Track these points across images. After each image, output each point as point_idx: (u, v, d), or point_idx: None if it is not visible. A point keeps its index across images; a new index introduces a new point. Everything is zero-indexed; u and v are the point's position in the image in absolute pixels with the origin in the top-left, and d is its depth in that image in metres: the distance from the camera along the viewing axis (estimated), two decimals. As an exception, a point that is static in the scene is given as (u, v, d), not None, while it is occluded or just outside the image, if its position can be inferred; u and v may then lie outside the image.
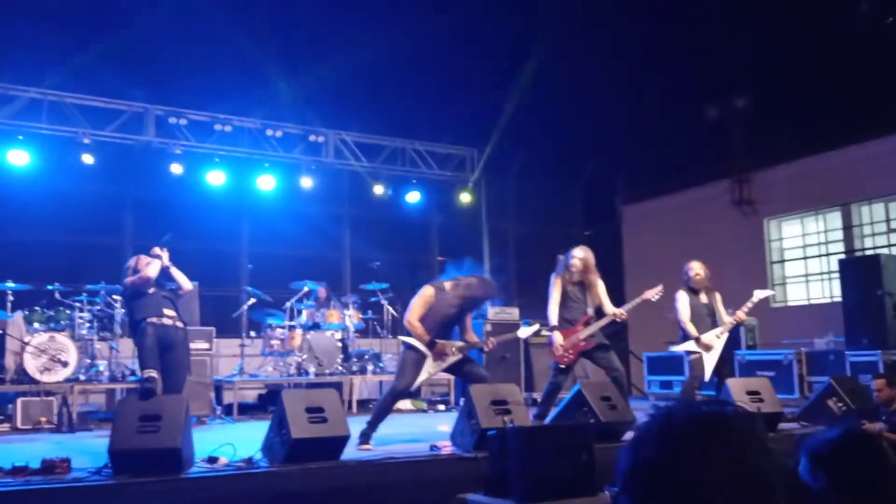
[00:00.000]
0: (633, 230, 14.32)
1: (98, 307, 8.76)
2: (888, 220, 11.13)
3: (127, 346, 9.27)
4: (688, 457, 0.96)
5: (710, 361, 6.99)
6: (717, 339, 7.06)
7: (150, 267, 6.34)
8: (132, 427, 4.54)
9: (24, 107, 9.82)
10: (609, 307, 6.75)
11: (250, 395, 10.15)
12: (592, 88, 10.99)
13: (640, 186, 13.99)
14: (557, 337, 6.65)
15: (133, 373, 8.78)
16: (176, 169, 10.49)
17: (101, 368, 8.60)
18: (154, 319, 6.18)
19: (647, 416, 1.08)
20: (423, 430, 7.14)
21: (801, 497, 1.79)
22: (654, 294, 6.80)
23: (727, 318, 7.13)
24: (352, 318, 10.05)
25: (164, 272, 6.41)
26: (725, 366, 7.31)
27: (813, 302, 11.86)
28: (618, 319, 6.61)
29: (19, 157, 9.69)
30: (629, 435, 6.00)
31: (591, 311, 6.79)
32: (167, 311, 6.28)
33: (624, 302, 6.98)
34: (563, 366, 6.69)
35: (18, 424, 7.66)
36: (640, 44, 10.48)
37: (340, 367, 9.61)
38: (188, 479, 4.52)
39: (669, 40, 10.18)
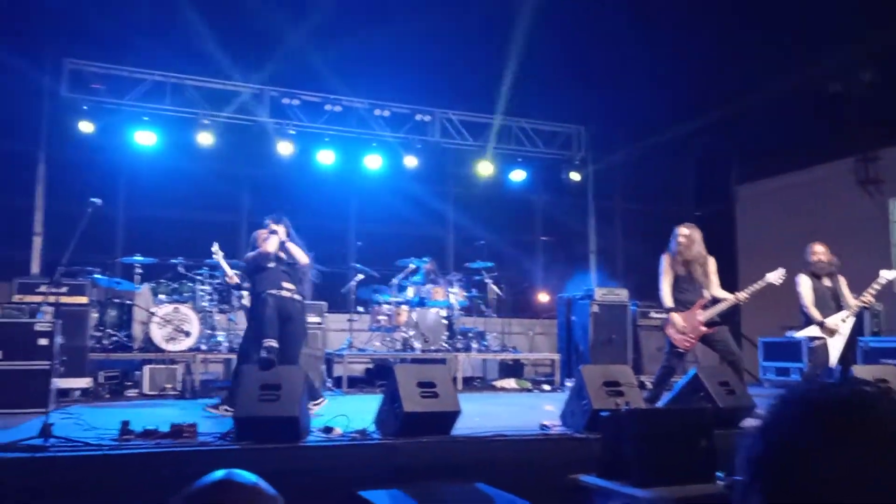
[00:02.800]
0: (747, 210, 13.73)
1: (217, 281, 9.16)
2: None
3: (243, 319, 9.68)
4: (832, 443, 0.89)
5: (835, 348, 6.64)
6: (842, 323, 6.70)
7: (269, 242, 6.55)
8: (254, 395, 4.72)
9: (150, 89, 10.31)
10: (720, 291, 6.52)
11: (358, 369, 10.41)
12: (706, 61, 10.55)
13: (757, 165, 13.36)
14: (677, 319, 6.44)
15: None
16: (288, 148, 10.80)
17: (220, 339, 9.00)
18: (274, 291, 6.41)
19: (778, 397, 1.00)
20: (530, 410, 7.12)
21: None
22: (776, 278, 6.49)
23: (853, 302, 6.75)
24: (456, 295, 10.12)
25: (282, 246, 6.61)
26: (851, 352, 6.93)
27: (946, 288, 11.06)
28: (739, 303, 6.37)
29: (146, 138, 10.23)
30: (749, 421, 5.79)
31: (706, 293, 6.55)
32: (286, 284, 6.49)
33: (737, 286, 6.72)
34: (679, 350, 6.49)
35: (145, 390, 8.14)
36: (757, 15, 9.96)
37: (445, 344, 9.71)
38: (306, 447, 4.67)
39: (787, 9, 9.63)
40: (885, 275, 6.76)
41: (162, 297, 8.80)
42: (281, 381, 4.81)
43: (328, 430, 5.01)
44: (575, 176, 12.59)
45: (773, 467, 0.91)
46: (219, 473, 1.29)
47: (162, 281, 9.02)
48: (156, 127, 10.28)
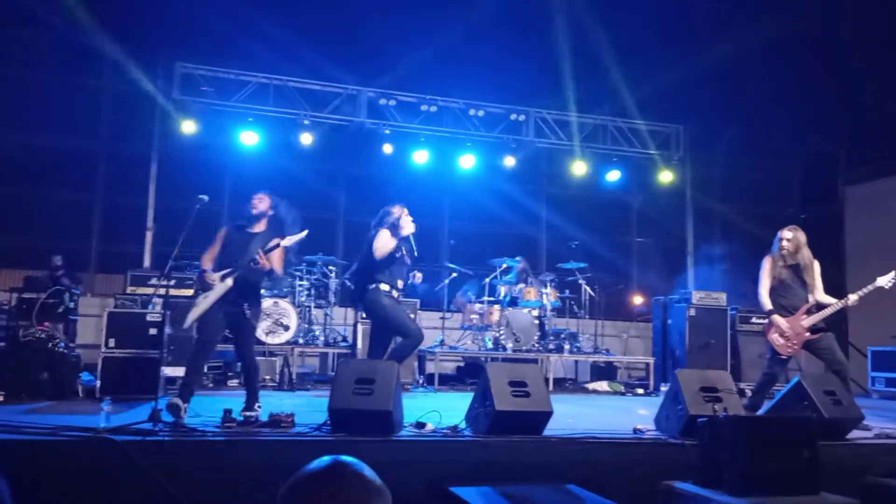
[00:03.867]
0: (856, 213, 13.04)
1: (315, 276, 9.42)
2: None
3: (339, 314, 9.95)
4: None
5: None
6: (962, 334, 6.29)
7: (408, 227, 6.25)
8: (349, 388, 4.83)
9: (254, 91, 10.71)
10: (825, 296, 6.26)
11: (449, 367, 10.50)
12: (813, 56, 10.10)
13: (867, 165, 12.68)
14: (781, 322, 6.21)
15: (345, 338, 9.39)
16: (386, 148, 11.05)
17: (317, 333, 9.25)
18: (396, 293, 6.27)
19: None
20: (623, 413, 7.01)
21: None
22: (887, 281, 6.17)
23: None
24: (549, 296, 10.06)
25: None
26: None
27: None
28: (849, 305, 6.10)
29: (250, 138, 10.63)
30: (859, 433, 5.52)
31: (811, 298, 6.29)
32: (400, 282, 6.40)
33: (844, 293, 6.40)
34: (782, 356, 6.26)
35: (246, 381, 8.43)
36: (863, 7, 9.45)
37: (537, 345, 9.66)
38: (399, 440, 4.75)
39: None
40: None
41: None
42: (376, 375, 4.91)
43: (421, 425, 5.09)
44: (666, 176, 12.30)
45: None
46: (326, 459, 1.34)
47: (262, 276, 9.33)
48: (259, 127, 10.67)
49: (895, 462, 4.53)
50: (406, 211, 6.26)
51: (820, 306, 6.27)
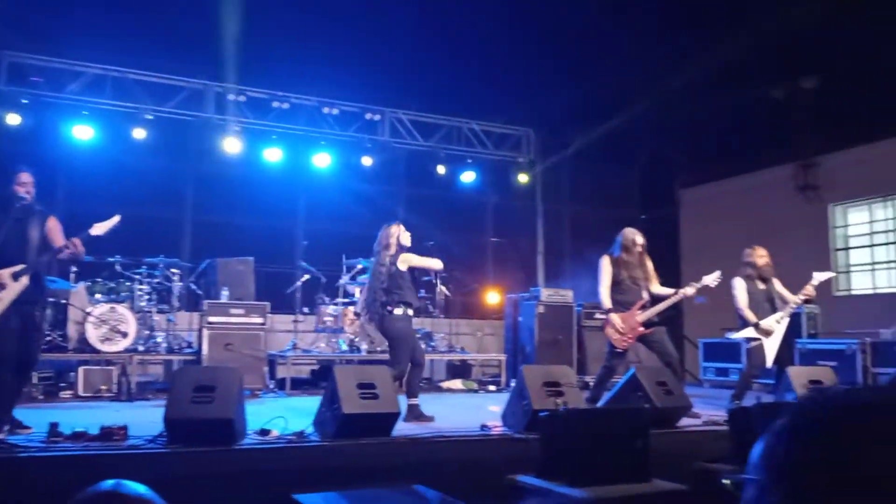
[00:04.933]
0: (691, 214, 13.99)
1: (157, 280, 8.95)
2: (964, 208, 10.63)
3: (183, 319, 9.49)
4: (870, 452, 0.82)
5: (770, 348, 6.79)
6: (776, 324, 6.85)
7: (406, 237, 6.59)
8: (187, 397, 4.61)
9: (89, 83, 10.03)
10: (662, 288, 6.68)
11: (303, 371, 10.28)
12: (652, 67, 10.70)
13: (700, 170, 13.63)
14: (616, 319, 6.53)
15: (189, 345, 8.98)
16: (233, 145, 10.60)
17: (159, 340, 8.79)
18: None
19: (804, 399, 0.93)
20: (474, 410, 7.11)
21: None
22: (712, 280, 6.66)
23: (792, 298, 6.91)
24: (404, 296, 10.05)
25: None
26: (787, 352, 7.10)
27: (879, 291, 11.43)
28: (687, 297, 6.54)
29: (84, 132, 9.94)
30: (689, 421, 5.87)
31: (646, 294, 6.66)
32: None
33: (680, 288, 6.84)
34: (619, 350, 6.58)
35: (80, 392, 7.89)
36: (702, 21, 10.13)
37: (392, 346, 9.62)
38: (240, 450, 4.58)
39: (733, 15, 9.81)
40: (819, 276, 6.95)
41: (98, 296, 8.54)
42: (216, 382, 4.70)
43: (265, 432, 4.93)
44: (522, 178, 12.67)
45: (803, 470, 0.85)
46: (108, 483, 1.23)
47: (98, 279, 8.76)
48: (94, 121, 9.99)
49: (722, 448, 4.83)
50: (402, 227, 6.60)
51: (655, 300, 6.65)
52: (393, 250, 6.46)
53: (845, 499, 0.81)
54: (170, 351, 8.77)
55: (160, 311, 8.99)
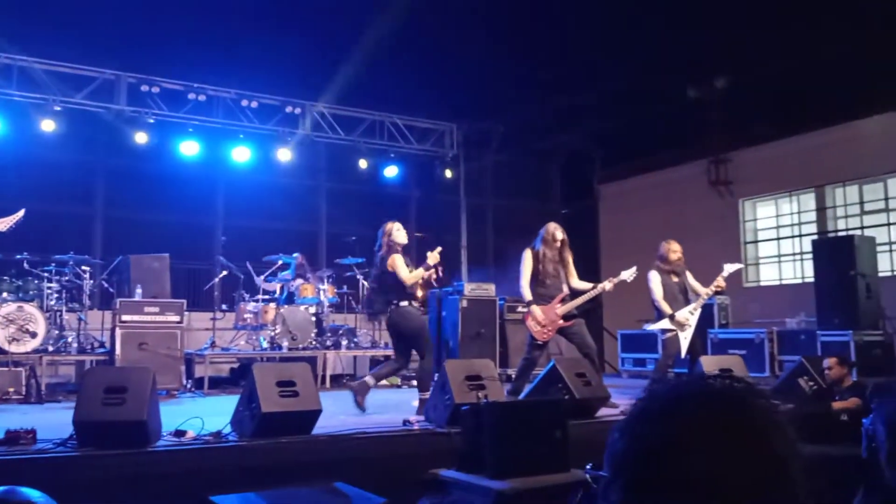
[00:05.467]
0: (609, 208, 14.34)
1: (66, 278, 8.60)
2: (861, 203, 11.23)
3: (96, 318, 9.14)
4: (700, 442, 0.85)
5: (684, 339, 7.01)
6: (690, 315, 7.08)
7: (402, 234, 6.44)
8: (97, 398, 4.44)
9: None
10: (580, 282, 6.80)
11: (222, 369, 10.06)
12: (573, 65, 10.89)
13: (618, 165, 13.99)
14: (536, 312, 6.62)
15: (102, 345, 8.67)
16: (142, 138, 10.23)
17: (70, 340, 8.45)
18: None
19: (647, 391, 0.97)
20: (397, 406, 7.10)
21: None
22: (629, 275, 6.86)
23: (703, 290, 7.15)
24: (326, 292, 9.97)
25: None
26: (699, 343, 7.36)
27: (785, 282, 11.97)
28: (605, 290, 6.70)
29: (-13, 124, 9.46)
30: (607, 411, 6.01)
31: (566, 288, 6.78)
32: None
33: (600, 280, 7.00)
34: (539, 342, 6.68)
35: (-15, 395, 7.51)
36: (620, 21, 10.37)
37: (314, 342, 9.54)
38: (154, 451, 4.45)
39: (650, 17, 10.08)
40: (728, 267, 7.22)
41: (5, 294, 8.13)
42: (128, 383, 4.55)
43: (180, 433, 4.80)
44: (448, 173, 12.71)
45: (636, 467, 0.88)
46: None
47: (5, 278, 8.35)
48: (0, 113, 9.52)
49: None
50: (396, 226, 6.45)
51: (574, 294, 6.78)
52: (384, 250, 6.37)
53: (673, 490, 0.85)
54: (81, 351, 8.44)
55: (71, 310, 8.64)
